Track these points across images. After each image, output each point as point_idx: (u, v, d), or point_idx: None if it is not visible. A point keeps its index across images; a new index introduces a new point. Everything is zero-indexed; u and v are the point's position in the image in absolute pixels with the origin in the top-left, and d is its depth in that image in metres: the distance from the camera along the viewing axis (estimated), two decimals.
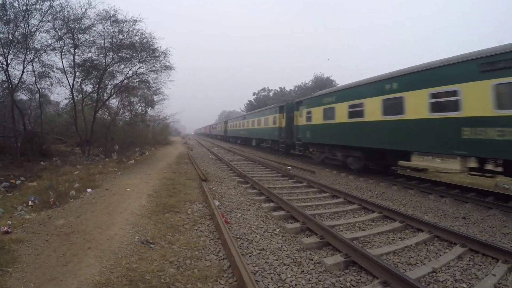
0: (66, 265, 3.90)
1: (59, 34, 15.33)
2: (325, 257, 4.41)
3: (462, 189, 9.90)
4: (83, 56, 17.19)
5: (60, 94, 20.46)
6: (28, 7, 13.73)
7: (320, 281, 3.73)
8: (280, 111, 22.32)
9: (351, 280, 3.79)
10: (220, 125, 58.23)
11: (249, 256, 4.39)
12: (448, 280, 3.83)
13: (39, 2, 13.91)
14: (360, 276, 3.89)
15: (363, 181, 11.52)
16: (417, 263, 4.36)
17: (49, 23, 14.83)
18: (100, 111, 19.88)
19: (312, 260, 4.34)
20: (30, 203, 7.26)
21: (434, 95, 8.95)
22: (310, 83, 50.56)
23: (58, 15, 14.71)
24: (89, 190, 8.61)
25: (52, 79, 17.25)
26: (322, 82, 46.90)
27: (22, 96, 19.08)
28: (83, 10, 15.30)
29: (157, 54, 18.19)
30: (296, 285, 3.62)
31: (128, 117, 25.14)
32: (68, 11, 14.91)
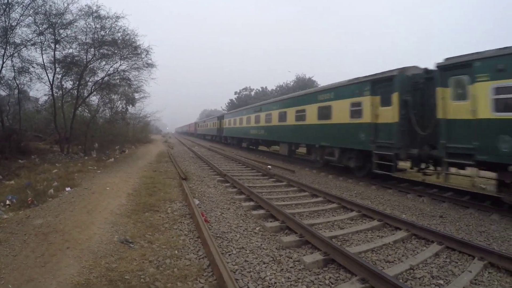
0: (45, 266, 3.84)
1: (40, 29, 14.92)
2: (304, 255, 4.48)
3: (440, 188, 10.15)
4: (64, 52, 16.81)
5: (39, 91, 19.78)
6: (10, 0, 13.29)
7: (299, 279, 3.79)
8: (372, 92, 10.65)
9: (330, 277, 3.86)
10: (211, 123, 43.56)
11: (229, 255, 4.42)
12: (425, 277, 3.95)
13: None
14: (339, 274, 3.97)
15: (343, 180, 11.68)
16: (395, 260, 4.48)
17: (30, 18, 14.45)
18: (80, 108, 19.44)
19: (291, 258, 4.40)
20: (7, 202, 7.10)
21: None
22: (292, 83, 50.48)
23: (39, 9, 14.34)
24: (68, 188, 8.45)
25: (31, 75, 16.75)
26: (304, 83, 47.03)
27: (1, 92, 18.48)
28: (65, 5, 14.95)
29: (139, 52, 17.99)
30: (275, 283, 3.66)
31: (108, 115, 24.64)
32: (50, 5, 14.55)
